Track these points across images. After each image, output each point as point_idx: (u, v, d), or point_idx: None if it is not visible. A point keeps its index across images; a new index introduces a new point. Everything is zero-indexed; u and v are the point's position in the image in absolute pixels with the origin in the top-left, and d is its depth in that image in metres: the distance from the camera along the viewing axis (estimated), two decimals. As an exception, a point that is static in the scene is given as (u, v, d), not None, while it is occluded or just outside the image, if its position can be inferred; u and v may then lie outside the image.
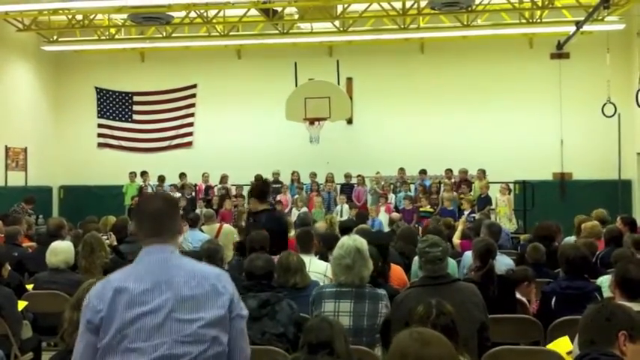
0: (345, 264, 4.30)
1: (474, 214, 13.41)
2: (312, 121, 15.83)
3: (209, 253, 5.39)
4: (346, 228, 8.44)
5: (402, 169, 16.95)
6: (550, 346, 4.08)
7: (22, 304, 5.83)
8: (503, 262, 6.56)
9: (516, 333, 5.02)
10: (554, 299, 5.06)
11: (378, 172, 16.80)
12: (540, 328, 4.94)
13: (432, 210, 14.98)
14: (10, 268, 7.15)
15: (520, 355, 4.08)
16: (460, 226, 9.17)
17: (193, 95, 19.62)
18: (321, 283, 5.18)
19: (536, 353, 4.12)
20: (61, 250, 6.58)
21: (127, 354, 2.39)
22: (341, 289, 4.33)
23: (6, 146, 17.56)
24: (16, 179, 17.87)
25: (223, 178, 17.75)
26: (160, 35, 17.78)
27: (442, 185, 16.13)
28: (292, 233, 8.32)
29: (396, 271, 5.78)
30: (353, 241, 4.39)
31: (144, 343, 2.40)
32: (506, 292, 5.15)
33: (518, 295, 5.58)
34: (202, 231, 10.36)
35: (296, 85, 16.25)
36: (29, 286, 6.54)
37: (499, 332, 4.76)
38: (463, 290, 4.40)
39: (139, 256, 2.61)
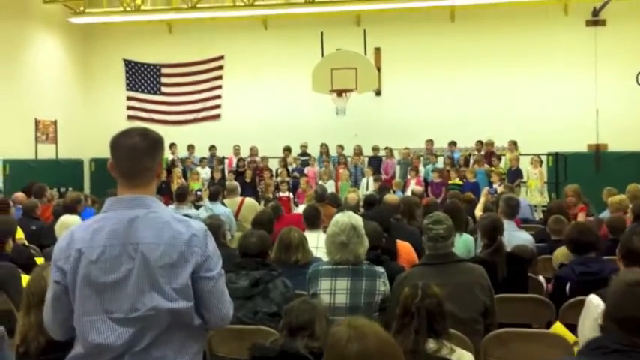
0: (340, 241, 4.13)
1: (496, 187, 13.06)
2: (339, 93, 15.58)
3: (210, 229, 5.23)
4: (371, 202, 8.27)
5: (429, 141, 16.63)
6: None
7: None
8: (521, 238, 6.29)
9: (527, 313, 4.79)
10: (568, 285, 4.77)
11: (406, 148, 16.50)
12: (552, 309, 4.69)
13: (461, 183, 14.64)
14: (25, 242, 7.20)
15: (523, 338, 3.86)
16: (482, 199, 8.87)
17: (220, 67, 19.50)
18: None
19: (539, 337, 3.88)
20: (72, 224, 6.54)
21: (94, 322, 2.34)
22: (337, 267, 4.17)
23: (35, 119, 17.67)
24: (46, 152, 18.02)
25: (252, 151, 17.63)
26: (186, 6, 17.63)
27: (472, 158, 15.78)
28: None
29: (405, 248, 5.58)
30: (348, 217, 4.21)
31: (105, 314, 2.34)
32: (517, 271, 4.91)
33: (531, 274, 5.36)
34: (224, 204, 10.18)
35: (322, 56, 15.99)
36: (40, 260, 6.51)
37: (509, 312, 4.57)
38: (469, 271, 4.24)
39: (109, 206, 2.47)
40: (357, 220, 4.26)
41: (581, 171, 15.79)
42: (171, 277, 2.38)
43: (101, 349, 2.33)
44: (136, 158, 2.48)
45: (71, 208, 8.20)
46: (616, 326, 2.29)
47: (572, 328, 3.93)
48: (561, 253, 5.62)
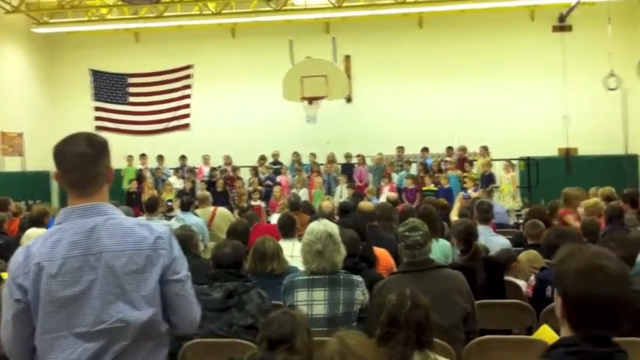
0: (316, 250, 4.02)
1: (469, 192, 13.08)
2: (309, 100, 15.50)
3: (181, 240, 5.08)
4: (345, 210, 8.17)
5: (400, 148, 16.61)
6: (536, 335, 3.76)
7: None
8: (499, 242, 6.25)
9: (508, 319, 4.72)
10: (548, 288, 4.71)
11: (379, 154, 16.46)
12: (533, 313, 4.63)
13: (435, 189, 14.64)
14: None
15: (505, 345, 3.77)
16: (457, 204, 8.86)
17: (189, 76, 19.32)
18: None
19: (523, 343, 3.80)
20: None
21: (56, 340, 2.20)
22: (314, 277, 4.06)
23: (1, 131, 17.30)
24: (13, 165, 17.66)
25: (226, 160, 17.41)
26: (152, 15, 17.41)
27: (445, 163, 15.79)
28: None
29: (382, 255, 5.48)
30: (324, 226, 4.10)
31: (68, 330, 2.21)
32: (494, 276, 4.84)
33: (511, 278, 5.30)
34: (196, 214, 10.00)
35: (292, 64, 15.89)
36: (5, 275, 6.30)
37: (489, 318, 4.50)
38: (448, 277, 4.15)
39: (63, 216, 2.33)
40: (333, 227, 4.16)
41: (553, 174, 15.91)
42: (140, 284, 2.27)
43: None
44: (85, 167, 2.36)
45: (38, 221, 7.97)
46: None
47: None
48: (526, 257, 5.60)
